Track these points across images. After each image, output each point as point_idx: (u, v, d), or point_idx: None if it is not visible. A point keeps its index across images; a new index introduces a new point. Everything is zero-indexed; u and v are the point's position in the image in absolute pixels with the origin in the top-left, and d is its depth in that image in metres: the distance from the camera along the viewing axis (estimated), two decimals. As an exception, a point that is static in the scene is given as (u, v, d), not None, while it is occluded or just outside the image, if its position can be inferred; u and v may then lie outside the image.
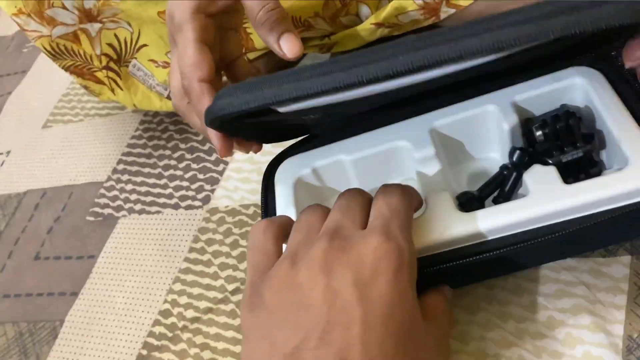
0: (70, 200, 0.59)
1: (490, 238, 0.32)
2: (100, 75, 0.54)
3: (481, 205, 0.37)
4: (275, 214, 0.40)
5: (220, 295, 0.46)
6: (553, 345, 0.34)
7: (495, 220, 0.32)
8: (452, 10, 0.48)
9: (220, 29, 0.39)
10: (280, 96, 0.28)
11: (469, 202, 0.36)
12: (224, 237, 0.49)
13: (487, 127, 0.38)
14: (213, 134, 0.35)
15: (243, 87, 0.29)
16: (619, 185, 0.31)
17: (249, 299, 0.29)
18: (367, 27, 0.51)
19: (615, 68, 0.36)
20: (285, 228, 0.33)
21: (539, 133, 0.36)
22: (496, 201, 0.37)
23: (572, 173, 0.35)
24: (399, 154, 0.39)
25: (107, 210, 0.56)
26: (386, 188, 0.32)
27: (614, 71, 0.36)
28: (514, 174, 0.37)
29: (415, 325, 0.27)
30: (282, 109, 0.32)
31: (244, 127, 0.37)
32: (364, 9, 0.50)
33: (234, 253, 0.48)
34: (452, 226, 0.33)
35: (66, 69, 0.54)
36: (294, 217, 0.38)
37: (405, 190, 0.32)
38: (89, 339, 0.48)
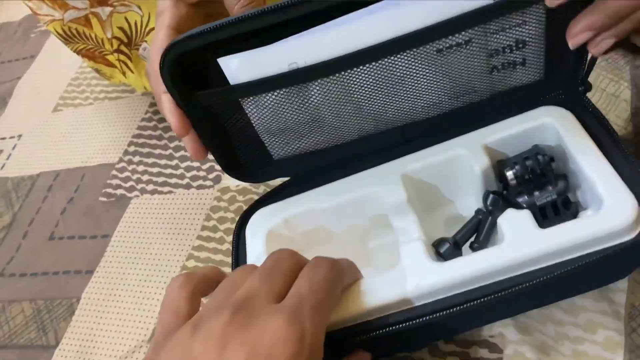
0: (82, 182, 0.61)
1: (469, 288, 0.32)
2: (112, 58, 0.55)
3: (458, 252, 0.36)
4: None
5: (233, 271, 0.47)
6: (557, 315, 0.36)
7: (471, 269, 0.32)
8: None
9: (208, 18, 0.40)
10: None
11: (445, 249, 0.36)
12: (235, 215, 0.51)
13: (459, 171, 0.38)
14: (168, 110, 0.35)
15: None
16: (595, 228, 0.30)
17: (151, 354, 0.29)
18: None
19: (586, 107, 0.36)
20: (208, 283, 0.32)
21: (509, 174, 0.35)
22: (472, 247, 0.36)
23: (547, 214, 0.34)
24: (371, 200, 0.38)
25: (119, 191, 0.58)
26: (316, 261, 0.31)
27: (584, 110, 0.36)
28: (489, 219, 0.36)
29: None
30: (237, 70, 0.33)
31: (203, 118, 0.37)
32: None
33: (246, 230, 0.49)
34: (427, 277, 0.32)
35: (78, 52, 0.55)
36: None
37: (334, 267, 0.31)
38: (105, 314, 0.50)
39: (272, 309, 0.28)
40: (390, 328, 0.32)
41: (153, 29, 0.53)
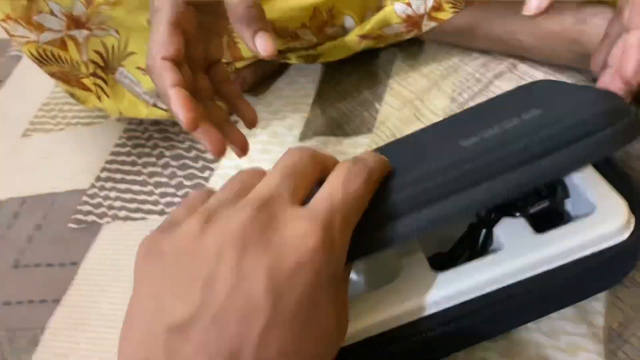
0: (52, 208, 0.59)
1: (472, 297, 0.32)
2: (87, 82, 0.54)
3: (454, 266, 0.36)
4: None
5: (208, 299, 0.46)
6: (538, 338, 0.36)
7: (475, 277, 0.32)
8: (433, 24, 0.51)
9: (204, 30, 0.40)
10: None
11: (442, 264, 0.35)
12: (211, 241, 0.50)
13: None
14: (177, 105, 0.34)
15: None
16: (590, 230, 0.31)
17: (148, 244, 0.26)
18: (352, 39, 0.53)
19: None
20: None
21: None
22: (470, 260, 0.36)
23: (539, 226, 0.34)
24: None
25: (90, 217, 0.56)
26: (353, 168, 0.28)
27: None
28: (484, 231, 0.36)
29: (326, 328, 0.25)
30: None
31: None
32: (349, 21, 0.52)
33: (222, 257, 0.48)
34: (431, 288, 0.32)
35: (52, 75, 0.54)
36: None
37: (371, 178, 0.28)
38: (72, 345, 0.48)
39: (299, 213, 0.24)
40: (393, 343, 0.32)
41: (131, 53, 0.53)
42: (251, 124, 0.43)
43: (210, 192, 0.28)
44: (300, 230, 0.24)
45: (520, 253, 0.32)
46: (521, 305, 0.32)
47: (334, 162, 0.29)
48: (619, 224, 0.31)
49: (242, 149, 0.42)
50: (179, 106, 0.35)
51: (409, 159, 0.33)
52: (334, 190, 0.26)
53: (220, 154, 0.37)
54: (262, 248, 0.23)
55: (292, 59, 0.55)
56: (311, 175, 0.28)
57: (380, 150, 0.36)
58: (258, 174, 0.28)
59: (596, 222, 0.32)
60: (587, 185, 0.34)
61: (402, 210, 0.29)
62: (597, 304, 0.36)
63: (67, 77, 0.54)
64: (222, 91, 0.43)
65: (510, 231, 0.33)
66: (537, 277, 0.32)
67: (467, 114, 0.39)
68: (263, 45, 0.36)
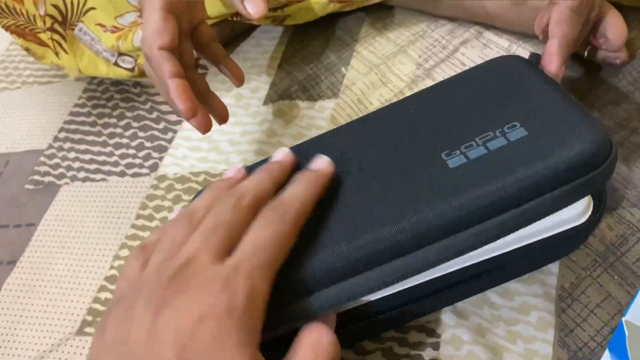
0: (6, 169, 0.57)
1: (436, 276, 0.32)
2: (44, 37, 0.52)
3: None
4: None
5: (169, 260, 0.46)
6: (493, 299, 0.37)
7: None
8: (401, -11, 0.50)
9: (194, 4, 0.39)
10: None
11: None
12: (173, 203, 0.49)
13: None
14: (176, 95, 0.35)
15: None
16: (551, 217, 0.31)
17: (101, 322, 0.29)
18: (319, 1, 0.52)
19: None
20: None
21: None
22: None
23: None
24: None
25: (47, 178, 0.55)
26: (265, 215, 0.29)
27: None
28: None
29: None
30: None
31: None
32: (318, -17, 0.51)
33: (184, 219, 0.48)
34: None
35: (7, 28, 0.52)
36: None
37: (285, 218, 0.29)
38: (27, 307, 0.47)
39: (211, 272, 0.27)
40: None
41: (91, 8, 0.51)
42: (239, 81, 0.43)
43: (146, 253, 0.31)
44: (206, 291, 0.26)
45: None
46: (480, 281, 0.33)
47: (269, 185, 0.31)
48: (579, 210, 0.32)
49: (222, 118, 0.42)
50: (178, 97, 0.35)
51: (375, 172, 0.33)
52: (245, 242, 0.28)
53: (207, 130, 0.38)
54: (172, 310, 0.26)
55: (259, 21, 0.54)
56: (236, 224, 0.29)
57: (333, 147, 0.35)
58: (188, 226, 0.30)
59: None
60: None
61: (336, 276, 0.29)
62: (551, 266, 0.37)
63: (23, 32, 0.52)
64: (207, 52, 0.43)
65: None
66: (498, 257, 0.32)
67: (434, 98, 0.36)
68: (253, 8, 0.36)
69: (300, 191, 0.31)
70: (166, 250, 0.29)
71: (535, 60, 0.38)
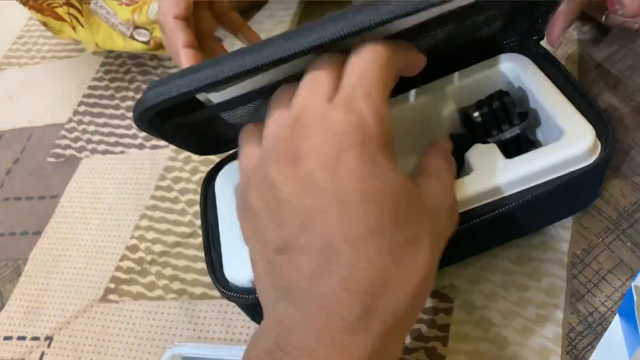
0: (29, 142, 0.58)
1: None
2: (61, 11, 0.53)
3: None
4: (216, 222, 0.39)
5: (188, 230, 0.47)
6: (506, 265, 0.37)
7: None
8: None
9: None
10: (216, 76, 0.27)
11: None
12: (190, 174, 0.50)
13: (426, 118, 0.39)
14: (185, 64, 0.36)
15: (168, 78, 0.29)
16: (558, 154, 0.32)
17: (239, 207, 0.30)
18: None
19: (540, 53, 0.38)
20: None
21: (476, 114, 0.36)
22: None
23: (511, 152, 0.35)
24: None
25: (69, 151, 0.56)
26: (357, 50, 0.28)
27: (539, 56, 0.38)
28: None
29: (400, 191, 0.26)
30: (216, 98, 0.31)
31: (179, 130, 0.35)
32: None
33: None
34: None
35: (24, 3, 0.53)
36: (236, 220, 0.35)
37: (378, 50, 0.28)
38: (54, 275, 0.48)
39: (325, 109, 0.26)
40: None
41: (105, -18, 0.51)
42: None
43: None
44: (330, 124, 0.26)
45: (490, 175, 0.33)
46: (490, 229, 0.33)
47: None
48: (586, 148, 0.32)
49: None
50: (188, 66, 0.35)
51: None
52: (347, 74, 0.27)
53: None
54: (309, 153, 0.26)
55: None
56: (333, 72, 0.28)
57: None
58: (288, 93, 0.29)
59: (564, 145, 0.33)
60: (557, 112, 0.34)
61: None
62: (563, 232, 0.37)
63: (40, 7, 0.53)
64: (226, 21, 0.43)
65: (482, 156, 0.34)
66: (506, 198, 0.33)
67: None
68: None
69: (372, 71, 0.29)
70: (276, 118, 0.29)
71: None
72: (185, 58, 0.35)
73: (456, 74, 0.39)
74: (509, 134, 0.35)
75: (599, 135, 0.33)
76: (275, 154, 0.27)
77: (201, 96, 0.31)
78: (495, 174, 0.33)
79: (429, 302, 0.37)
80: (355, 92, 0.27)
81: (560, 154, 0.32)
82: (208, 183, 0.41)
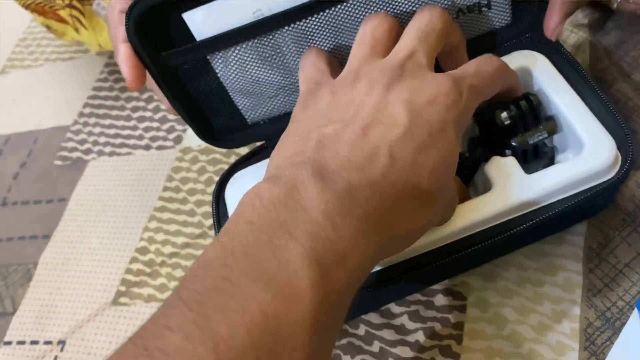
0: (35, 146, 0.58)
1: (465, 235, 0.33)
2: (63, 13, 0.52)
3: None
4: None
5: (197, 231, 0.47)
6: (519, 260, 0.37)
7: (468, 218, 0.32)
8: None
9: None
10: None
11: None
12: (198, 175, 0.50)
13: None
14: (122, 60, 0.34)
15: None
16: (578, 170, 0.31)
17: (304, 100, 0.31)
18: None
19: (556, 49, 0.36)
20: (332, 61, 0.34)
21: (504, 115, 0.34)
22: None
23: (528, 157, 0.35)
24: None
25: (75, 154, 0.56)
26: (488, 56, 0.32)
27: (555, 53, 0.36)
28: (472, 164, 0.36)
29: (449, 154, 0.29)
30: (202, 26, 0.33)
31: (173, 79, 0.36)
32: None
33: (210, 190, 0.48)
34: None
35: (27, 7, 0.52)
36: None
37: (503, 67, 0.32)
38: (64, 279, 0.48)
39: (433, 73, 0.29)
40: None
41: (106, -18, 0.51)
42: None
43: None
44: (436, 79, 0.29)
45: (510, 194, 0.32)
46: (508, 241, 0.32)
47: (457, 29, 0.34)
48: (607, 164, 0.31)
49: None
50: (123, 62, 0.34)
51: None
52: (468, 65, 0.31)
53: (137, 87, 0.36)
54: (403, 87, 0.28)
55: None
56: (444, 36, 0.32)
57: None
58: (386, 24, 0.32)
59: (585, 161, 0.32)
60: (577, 121, 0.33)
61: None
62: (578, 226, 0.37)
63: (42, 9, 0.53)
64: None
65: (501, 172, 0.33)
66: (525, 216, 0.32)
67: None
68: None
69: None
70: (369, 44, 0.31)
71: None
72: (123, 54, 0.34)
73: None
74: (536, 137, 0.34)
75: (619, 146, 0.32)
76: (371, 78, 0.29)
77: (189, 19, 0.33)
78: (515, 191, 0.32)
79: (442, 300, 0.37)
80: (467, 80, 0.30)
81: (581, 169, 0.31)
82: (219, 194, 0.40)
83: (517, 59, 0.37)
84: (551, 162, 0.35)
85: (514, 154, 0.34)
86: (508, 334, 0.34)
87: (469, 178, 0.36)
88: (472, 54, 0.37)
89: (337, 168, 0.26)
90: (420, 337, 0.36)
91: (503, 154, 0.34)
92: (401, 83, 0.28)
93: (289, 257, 0.23)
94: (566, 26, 0.44)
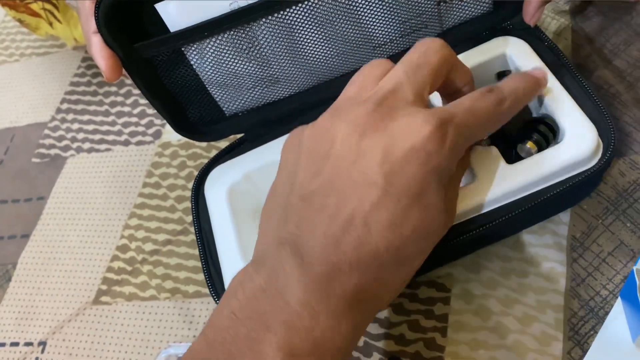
0: (12, 143, 0.57)
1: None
2: (36, 7, 0.51)
3: None
4: (210, 228, 0.38)
5: (179, 227, 0.46)
6: (503, 251, 0.36)
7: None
8: None
9: None
10: None
11: None
12: (178, 170, 0.49)
13: None
14: (97, 51, 0.33)
15: None
16: (560, 160, 0.31)
17: (290, 138, 0.30)
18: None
19: (537, 36, 0.36)
20: None
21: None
22: None
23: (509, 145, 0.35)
24: None
25: (53, 151, 0.55)
26: (484, 90, 0.29)
27: (536, 39, 0.36)
28: None
29: (432, 212, 0.27)
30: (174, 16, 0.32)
31: (147, 69, 0.35)
32: None
33: (190, 185, 0.47)
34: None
35: (-3, 0, 0.51)
36: (232, 229, 0.36)
37: (502, 104, 0.29)
38: (44, 278, 0.47)
39: (417, 109, 0.27)
40: None
41: (80, -26, 0.50)
42: None
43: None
44: (416, 122, 0.26)
45: (492, 185, 0.32)
46: (491, 232, 0.32)
47: (465, 69, 0.31)
48: (589, 152, 0.31)
49: None
50: (98, 54, 0.33)
51: None
52: (461, 103, 0.28)
53: (114, 79, 0.35)
54: (379, 134, 0.26)
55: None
56: (439, 70, 0.29)
57: None
58: (382, 67, 0.30)
59: (566, 149, 0.31)
60: (559, 109, 0.33)
61: None
62: (562, 215, 0.36)
63: (14, 3, 0.51)
64: None
65: (483, 162, 0.33)
66: (507, 206, 0.32)
67: None
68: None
69: (521, 87, 0.31)
70: (359, 84, 0.30)
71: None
72: (95, 45, 0.33)
73: None
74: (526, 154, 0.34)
75: (601, 134, 0.32)
76: (349, 118, 0.27)
77: (162, 10, 0.32)
78: (497, 182, 0.32)
79: (426, 293, 0.37)
80: (455, 120, 0.27)
81: (563, 158, 0.31)
82: (198, 190, 0.40)
83: (497, 45, 0.36)
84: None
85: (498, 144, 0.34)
86: (492, 326, 0.34)
87: None
88: (453, 42, 0.37)
89: (315, 245, 0.26)
90: (404, 330, 0.36)
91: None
92: (378, 127, 0.27)
93: (264, 349, 0.24)
94: (548, 12, 0.43)
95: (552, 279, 0.34)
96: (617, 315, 0.31)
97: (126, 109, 0.54)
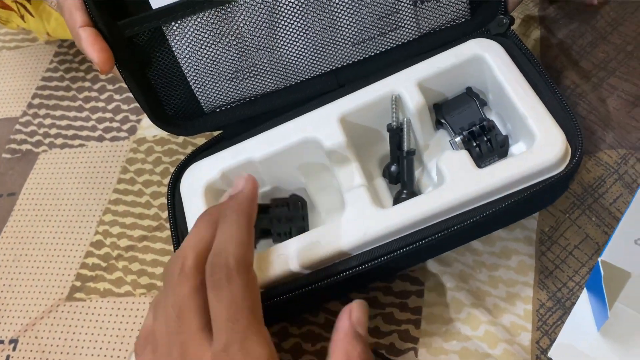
0: (-18, 138, 0.56)
1: (416, 229, 0.32)
2: (7, 0, 0.50)
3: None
4: (186, 226, 0.38)
5: (155, 223, 0.46)
6: (474, 245, 0.37)
7: (418, 212, 0.32)
8: None
9: None
10: None
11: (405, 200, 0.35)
12: (154, 166, 0.49)
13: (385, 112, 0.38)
14: (88, 44, 0.33)
15: None
16: (528, 165, 0.32)
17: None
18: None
19: (512, 41, 0.37)
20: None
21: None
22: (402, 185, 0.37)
23: (482, 152, 0.35)
24: (309, 147, 0.37)
25: (25, 146, 0.54)
26: (215, 282, 0.27)
27: (511, 44, 0.37)
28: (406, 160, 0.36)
29: None
30: None
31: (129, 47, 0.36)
32: None
33: (166, 181, 0.47)
34: (376, 223, 0.33)
35: (-33, -8, 0.50)
36: None
37: (232, 276, 0.27)
38: (16, 275, 0.47)
39: (201, 349, 0.27)
40: (340, 275, 0.33)
41: (53, -33, 0.49)
42: None
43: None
44: None
45: (462, 188, 0.32)
46: (459, 234, 0.33)
47: None
48: (557, 157, 0.32)
49: None
50: (90, 47, 0.33)
51: None
52: (218, 310, 0.27)
53: (107, 70, 0.35)
54: None
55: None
56: (198, 303, 0.28)
57: None
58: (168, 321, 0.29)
59: (535, 154, 0.32)
60: (529, 114, 0.33)
61: None
62: (530, 210, 0.37)
63: (-15, -5, 0.50)
64: None
65: (454, 165, 0.33)
66: (476, 209, 0.32)
67: None
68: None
69: (232, 234, 0.29)
70: (162, 318, 0.29)
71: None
72: (85, 38, 0.33)
73: (424, 63, 0.37)
74: (487, 162, 0.35)
75: (569, 139, 0.32)
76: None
77: None
78: (467, 185, 0.32)
79: (400, 286, 0.37)
80: (235, 335, 0.26)
81: (532, 163, 0.32)
82: (174, 186, 0.40)
83: (473, 47, 0.37)
84: (505, 152, 0.36)
85: (467, 147, 0.35)
86: (464, 317, 0.35)
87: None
88: (430, 46, 0.38)
89: None
90: (379, 322, 0.36)
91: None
92: None
93: None
94: (518, 15, 0.45)
95: (521, 272, 0.36)
96: (583, 306, 0.32)
97: (100, 104, 0.54)
